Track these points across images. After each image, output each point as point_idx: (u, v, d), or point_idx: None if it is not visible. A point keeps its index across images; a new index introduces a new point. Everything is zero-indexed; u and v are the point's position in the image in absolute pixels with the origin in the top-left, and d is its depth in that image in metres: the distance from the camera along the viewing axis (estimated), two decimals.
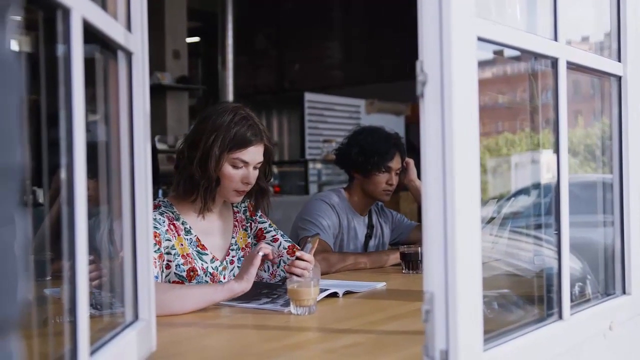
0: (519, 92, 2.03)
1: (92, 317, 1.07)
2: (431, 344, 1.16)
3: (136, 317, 1.36)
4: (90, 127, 1.16)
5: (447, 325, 1.15)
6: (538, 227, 1.96)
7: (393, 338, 1.63)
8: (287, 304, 1.90)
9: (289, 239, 2.39)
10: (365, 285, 2.30)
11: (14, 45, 0.57)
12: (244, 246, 2.35)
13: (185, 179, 2.18)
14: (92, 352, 1.08)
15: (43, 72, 1.03)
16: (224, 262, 2.27)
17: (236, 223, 2.36)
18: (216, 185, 2.18)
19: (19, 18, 0.60)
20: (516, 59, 1.70)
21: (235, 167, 2.17)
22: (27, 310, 0.60)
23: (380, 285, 2.34)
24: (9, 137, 0.55)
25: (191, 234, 2.21)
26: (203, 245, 2.22)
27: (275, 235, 2.38)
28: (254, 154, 2.19)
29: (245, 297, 2.02)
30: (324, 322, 1.80)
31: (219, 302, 1.96)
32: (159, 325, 1.44)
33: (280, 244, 2.35)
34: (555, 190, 1.52)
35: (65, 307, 1.39)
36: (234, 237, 2.33)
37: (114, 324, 1.33)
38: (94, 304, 1.35)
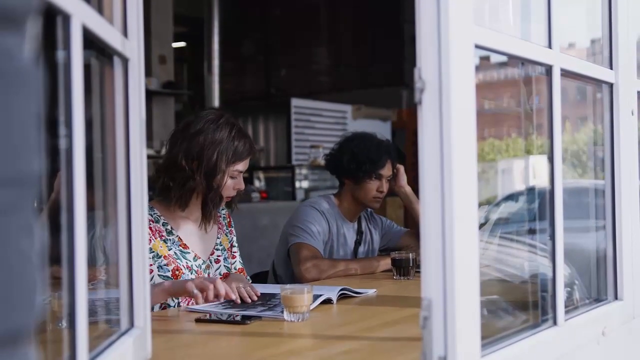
0: (505, 98, 2.04)
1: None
2: (429, 351, 1.16)
3: (132, 324, 1.35)
4: (85, 133, 1.15)
5: (445, 332, 1.15)
6: (527, 233, 1.96)
7: (389, 344, 1.63)
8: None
9: (242, 262, 2.47)
10: (357, 290, 2.29)
11: (33, 53, 0.57)
12: (228, 247, 2.45)
13: (188, 191, 2.24)
14: None
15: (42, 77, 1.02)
16: (208, 261, 2.34)
17: (220, 225, 2.44)
18: (220, 199, 2.26)
19: (37, 26, 0.59)
20: (502, 65, 1.71)
21: (232, 177, 2.28)
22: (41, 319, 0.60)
23: (372, 292, 2.34)
24: (28, 146, 0.55)
25: (173, 234, 2.26)
26: (185, 244, 2.28)
27: (236, 252, 2.50)
28: (247, 163, 2.33)
29: (242, 306, 2.01)
30: (318, 329, 1.80)
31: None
32: (154, 333, 1.43)
33: (235, 262, 2.46)
34: (549, 196, 1.52)
35: (57, 315, 1.38)
36: (219, 238, 2.41)
37: (108, 331, 1.32)
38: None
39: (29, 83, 0.55)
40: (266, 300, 2.11)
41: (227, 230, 2.48)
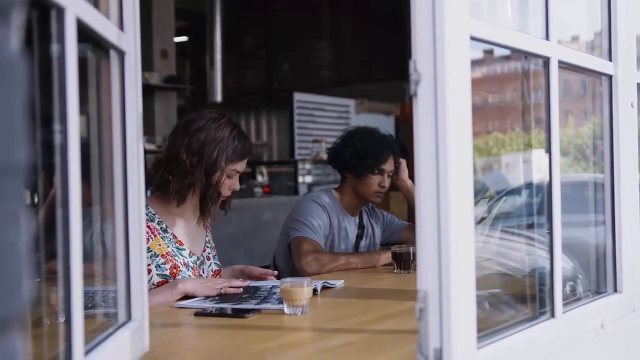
0: (509, 92, 2.04)
1: (84, 317, 1.06)
2: (425, 343, 1.16)
3: (129, 317, 1.36)
4: (81, 128, 1.15)
5: (441, 324, 1.15)
6: (529, 226, 1.96)
7: (386, 337, 1.63)
8: (282, 302, 1.90)
9: (219, 263, 2.48)
10: (332, 282, 2.32)
11: (18, 44, 0.57)
12: (214, 246, 2.49)
13: (187, 186, 2.26)
14: (86, 353, 1.08)
15: (36, 71, 1.02)
16: (201, 257, 2.38)
17: (208, 225, 2.48)
18: (219, 195, 2.27)
19: (22, 17, 0.59)
20: (506, 58, 1.71)
21: (229, 177, 2.31)
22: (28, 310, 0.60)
23: (339, 283, 2.35)
24: (13, 136, 0.55)
25: (168, 232, 2.29)
26: (180, 241, 2.31)
27: (214, 253, 2.50)
28: (245, 164, 2.36)
29: (234, 301, 2.00)
30: (317, 322, 1.81)
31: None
32: (151, 326, 1.44)
33: (210, 265, 2.44)
34: (547, 189, 1.52)
35: (56, 309, 1.39)
36: (207, 236, 2.46)
37: (106, 324, 1.33)
38: (86, 305, 1.34)
39: (15, 74, 0.56)
40: (252, 293, 2.11)
41: (210, 230, 2.53)
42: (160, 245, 2.24)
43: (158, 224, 2.27)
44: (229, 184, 2.32)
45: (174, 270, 2.22)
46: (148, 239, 2.20)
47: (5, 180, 0.54)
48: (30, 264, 0.58)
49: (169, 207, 2.30)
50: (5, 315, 0.54)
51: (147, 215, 2.25)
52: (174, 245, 2.27)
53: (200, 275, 2.33)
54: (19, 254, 0.56)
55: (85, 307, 1.11)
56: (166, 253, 2.23)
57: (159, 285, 2.18)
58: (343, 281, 2.39)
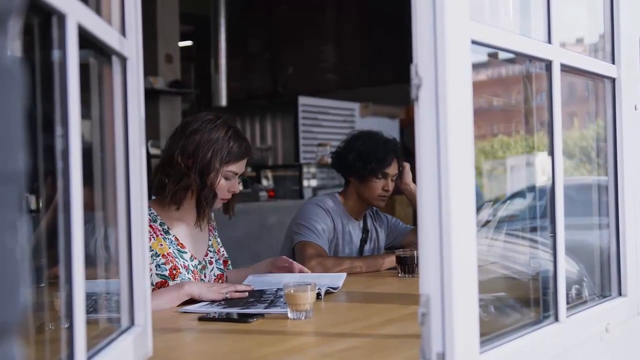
0: (514, 95, 2.03)
1: (87, 322, 1.07)
2: (427, 347, 1.16)
3: (132, 322, 1.36)
4: (83, 133, 1.16)
5: (443, 328, 1.15)
6: (534, 229, 1.96)
7: (390, 341, 1.62)
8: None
9: (222, 268, 2.47)
10: (329, 276, 2.34)
11: (16, 52, 0.57)
12: (217, 250, 2.48)
13: (182, 188, 2.26)
14: (89, 358, 1.08)
15: (38, 77, 1.03)
16: (203, 262, 2.37)
17: (211, 228, 2.48)
18: (214, 197, 2.26)
19: (20, 24, 0.60)
20: (510, 61, 1.70)
21: (226, 178, 2.30)
22: (25, 317, 0.60)
23: (342, 277, 2.37)
24: (11, 143, 0.55)
25: (170, 234, 2.29)
26: (182, 244, 2.31)
27: (217, 258, 2.48)
28: (244, 165, 2.35)
29: (239, 305, 2.00)
30: (321, 326, 1.80)
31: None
32: (154, 331, 1.44)
33: (212, 269, 2.43)
34: (550, 192, 1.52)
35: (59, 314, 1.39)
36: (210, 240, 2.45)
37: (109, 329, 1.33)
38: (88, 308, 1.34)
39: (12, 81, 0.56)
40: (258, 297, 2.11)
41: (216, 234, 2.52)
42: (161, 245, 2.24)
43: (160, 225, 2.27)
44: (228, 186, 2.30)
45: (174, 272, 2.22)
46: (150, 238, 2.20)
47: (3, 188, 0.54)
48: (28, 271, 0.58)
49: (170, 211, 2.30)
50: (3, 321, 0.55)
51: (149, 216, 2.25)
52: (175, 247, 2.27)
53: (202, 279, 2.33)
54: (17, 261, 0.56)
55: (88, 311, 1.11)
56: (167, 254, 2.23)
57: (158, 285, 2.18)
58: (345, 274, 2.40)
